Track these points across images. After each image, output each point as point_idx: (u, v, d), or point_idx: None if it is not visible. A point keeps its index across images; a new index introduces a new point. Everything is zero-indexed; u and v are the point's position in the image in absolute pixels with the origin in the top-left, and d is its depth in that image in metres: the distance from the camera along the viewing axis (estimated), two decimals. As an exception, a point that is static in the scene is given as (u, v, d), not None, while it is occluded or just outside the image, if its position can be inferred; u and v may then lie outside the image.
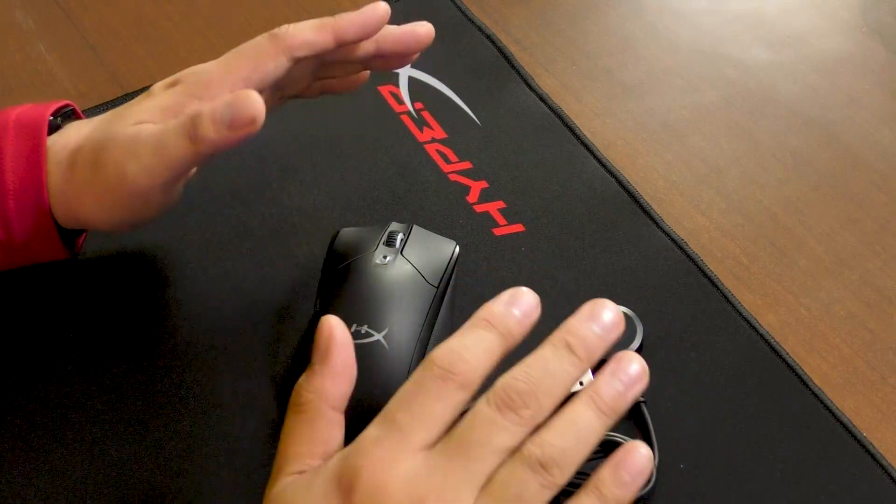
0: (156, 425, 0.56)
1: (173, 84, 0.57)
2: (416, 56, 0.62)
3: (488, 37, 0.74)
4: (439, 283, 0.57)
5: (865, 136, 0.69)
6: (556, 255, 0.63)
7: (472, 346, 0.43)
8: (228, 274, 0.62)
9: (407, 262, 0.57)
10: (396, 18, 0.76)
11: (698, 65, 0.74)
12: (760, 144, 0.69)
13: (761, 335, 0.59)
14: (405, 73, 0.72)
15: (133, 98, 0.70)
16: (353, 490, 0.41)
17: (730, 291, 0.61)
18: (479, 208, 0.65)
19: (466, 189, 0.66)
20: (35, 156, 0.55)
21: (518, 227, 0.64)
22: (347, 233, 0.60)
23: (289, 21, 0.76)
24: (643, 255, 0.63)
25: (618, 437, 0.53)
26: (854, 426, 0.56)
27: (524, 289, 0.45)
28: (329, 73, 0.62)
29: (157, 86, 0.57)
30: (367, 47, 0.60)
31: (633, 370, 0.45)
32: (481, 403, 0.43)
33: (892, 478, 0.54)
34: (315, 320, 0.56)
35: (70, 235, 0.58)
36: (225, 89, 0.55)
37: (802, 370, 0.58)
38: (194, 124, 0.53)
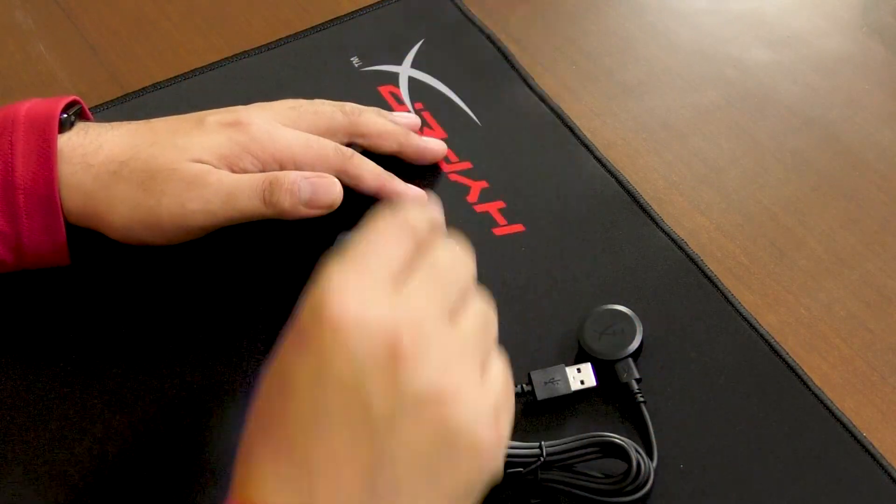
0: (156, 425, 0.56)
1: (230, 125, 0.58)
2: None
3: (488, 37, 0.74)
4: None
5: (865, 136, 0.69)
6: (556, 255, 0.63)
7: (414, 211, 0.45)
8: (229, 275, 0.62)
9: (407, 262, 0.57)
10: (396, 18, 0.76)
11: (698, 65, 0.73)
12: (760, 144, 0.69)
13: (761, 335, 0.59)
14: (405, 72, 0.72)
15: (132, 99, 0.70)
16: (320, 323, 0.40)
17: (730, 291, 0.61)
18: (479, 208, 0.65)
19: (466, 189, 0.66)
20: (46, 153, 0.55)
21: (518, 227, 0.64)
22: (347, 237, 0.60)
23: (289, 22, 0.76)
24: (643, 255, 0.63)
25: (616, 437, 0.53)
26: (854, 426, 0.56)
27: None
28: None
29: (212, 120, 0.59)
30: (389, 147, 0.65)
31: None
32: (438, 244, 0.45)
33: (892, 478, 0.54)
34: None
35: (74, 237, 0.58)
36: (277, 166, 0.58)
37: (802, 370, 0.58)
38: (272, 190, 0.56)
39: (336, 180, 0.58)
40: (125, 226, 0.56)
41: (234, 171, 0.57)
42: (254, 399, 0.43)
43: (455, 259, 0.45)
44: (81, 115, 0.60)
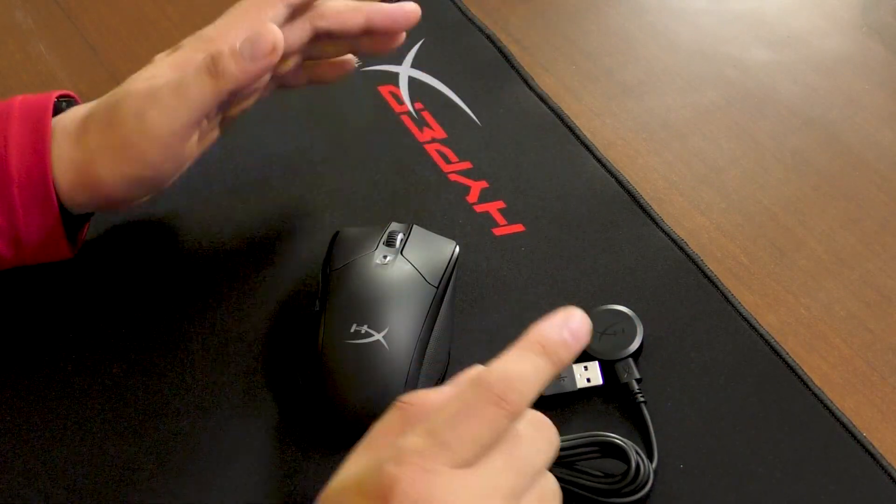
0: (156, 425, 0.56)
1: (175, 49, 0.58)
2: (401, 39, 0.62)
3: (488, 37, 0.74)
4: (439, 283, 0.57)
5: (865, 136, 0.69)
6: (556, 255, 0.63)
7: (526, 375, 0.43)
8: (228, 273, 0.62)
9: (407, 262, 0.57)
10: (396, 18, 0.76)
11: (698, 65, 0.73)
12: (760, 144, 0.69)
13: (761, 335, 0.59)
14: (405, 72, 0.72)
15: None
16: (391, 497, 0.40)
17: (730, 291, 0.61)
18: (479, 208, 0.65)
19: (466, 189, 0.66)
20: (40, 142, 0.55)
21: (518, 227, 0.64)
22: (347, 233, 0.60)
23: (289, 21, 0.76)
24: (643, 255, 0.63)
25: (616, 437, 0.53)
26: (854, 426, 0.56)
27: (576, 310, 0.44)
28: (317, 53, 0.62)
29: (159, 55, 0.58)
30: (356, 19, 0.60)
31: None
32: (522, 426, 0.43)
33: (892, 478, 0.54)
34: (315, 320, 0.57)
35: (73, 227, 0.58)
36: (228, 42, 0.56)
37: (802, 370, 0.58)
38: (215, 61, 0.54)
39: (269, 25, 0.55)
40: (111, 172, 0.55)
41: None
42: None
43: (540, 440, 0.44)
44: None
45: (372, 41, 0.62)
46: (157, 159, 0.55)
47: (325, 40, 0.61)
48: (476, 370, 0.44)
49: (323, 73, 0.64)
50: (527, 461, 0.43)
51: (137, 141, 0.54)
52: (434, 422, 0.42)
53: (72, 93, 0.60)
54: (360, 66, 0.73)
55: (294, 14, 0.58)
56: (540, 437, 0.44)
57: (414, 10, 0.61)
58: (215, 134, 0.59)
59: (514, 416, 0.42)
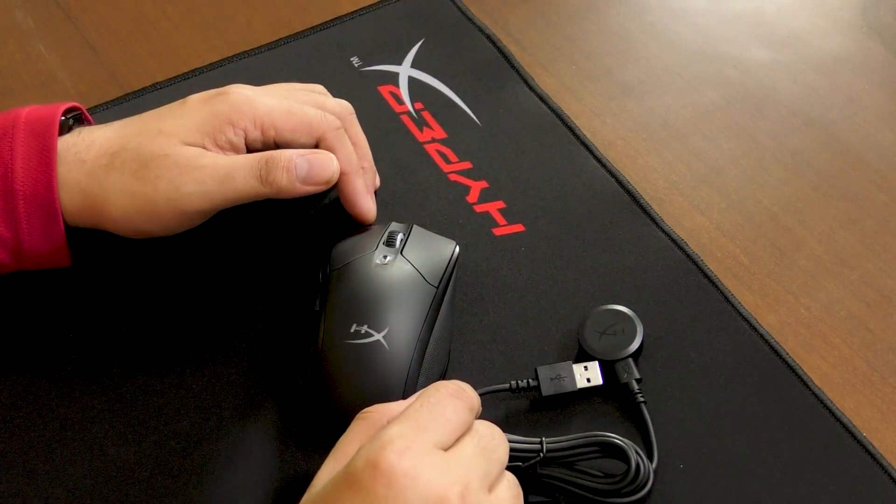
0: (156, 425, 0.56)
1: (211, 97, 0.58)
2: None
3: (488, 37, 0.74)
4: (439, 283, 0.57)
5: (865, 136, 0.69)
6: (556, 255, 0.63)
7: (467, 387, 0.49)
8: (228, 273, 0.62)
9: (407, 262, 0.57)
10: (396, 18, 0.76)
11: (698, 65, 0.73)
12: (760, 144, 0.69)
13: (761, 335, 0.59)
14: (405, 72, 0.72)
15: (132, 99, 0.70)
16: (377, 477, 0.43)
17: (730, 291, 0.61)
18: (479, 208, 0.65)
19: (466, 189, 0.66)
20: (46, 158, 0.55)
21: (518, 227, 0.64)
22: (347, 233, 0.60)
23: (289, 22, 0.76)
24: (643, 255, 0.63)
25: (616, 437, 0.53)
26: (854, 426, 0.56)
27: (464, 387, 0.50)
28: None
29: (195, 98, 0.59)
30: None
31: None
32: (481, 424, 0.49)
33: (892, 478, 0.54)
34: (315, 320, 0.57)
35: (75, 239, 0.58)
36: (284, 139, 0.58)
37: (802, 370, 0.58)
38: (268, 168, 0.56)
39: (332, 156, 0.58)
40: (124, 216, 0.56)
41: (218, 145, 0.57)
42: None
43: (496, 435, 0.49)
44: (82, 121, 0.60)
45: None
46: (172, 224, 0.57)
47: None
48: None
49: None
50: (493, 451, 0.48)
51: (163, 207, 0.56)
52: (410, 411, 0.46)
53: (79, 105, 0.60)
54: (361, 66, 0.73)
55: None
56: (496, 434, 0.49)
57: (370, 216, 0.62)
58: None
59: (473, 410, 0.48)
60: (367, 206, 0.62)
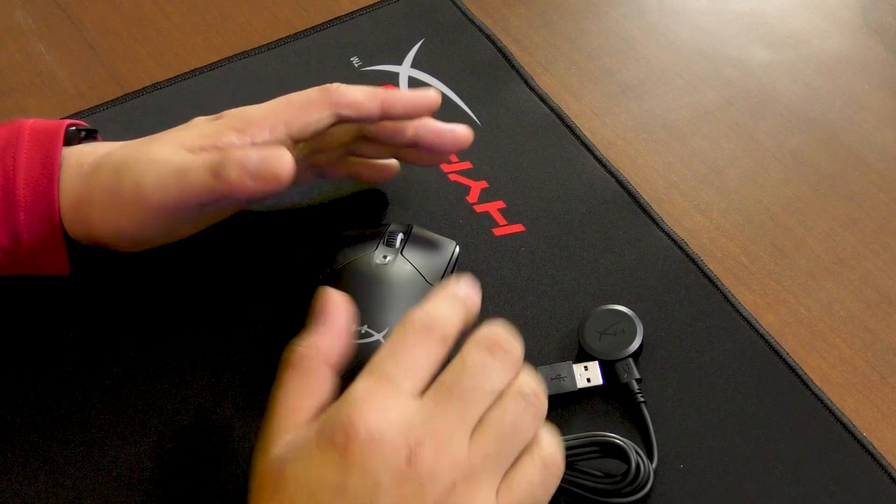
0: (156, 425, 0.56)
1: (216, 119, 0.58)
2: (447, 156, 0.64)
3: (488, 37, 0.74)
4: (439, 283, 0.57)
5: (865, 136, 0.69)
6: (556, 255, 0.63)
7: (444, 307, 0.47)
8: (228, 273, 0.62)
9: (407, 262, 0.57)
10: (396, 18, 0.76)
11: (698, 65, 0.73)
12: (760, 144, 0.69)
13: (761, 335, 0.59)
14: (405, 72, 0.72)
15: (132, 99, 0.70)
16: (350, 440, 0.42)
17: (730, 291, 0.61)
18: (479, 208, 0.65)
19: (466, 189, 0.66)
20: (49, 170, 0.55)
21: (518, 227, 0.64)
22: (347, 233, 0.60)
23: (289, 22, 0.76)
24: (643, 255, 0.63)
25: (616, 437, 0.53)
26: (854, 426, 0.56)
27: (464, 283, 0.49)
28: (361, 150, 0.63)
29: (199, 119, 0.58)
30: (405, 132, 0.60)
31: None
32: (469, 350, 0.46)
33: (892, 478, 0.54)
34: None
35: (75, 252, 0.58)
36: (265, 129, 0.56)
37: (802, 370, 0.58)
38: (221, 162, 0.54)
39: (286, 152, 0.54)
40: (100, 213, 0.55)
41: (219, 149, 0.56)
42: (259, 479, 0.45)
43: (488, 360, 0.46)
44: (95, 138, 0.60)
45: (416, 154, 0.62)
46: (144, 220, 0.56)
47: (370, 142, 0.62)
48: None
49: (363, 173, 0.64)
50: (476, 383, 0.45)
51: (128, 200, 0.55)
52: (375, 361, 0.45)
53: (83, 123, 0.60)
54: (361, 66, 0.73)
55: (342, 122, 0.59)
56: (492, 360, 0.46)
57: (465, 135, 0.60)
58: (225, 215, 0.61)
59: (445, 341, 0.46)
60: (457, 129, 0.60)
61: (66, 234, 0.56)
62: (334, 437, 0.43)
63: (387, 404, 0.43)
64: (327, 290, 0.49)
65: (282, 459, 0.44)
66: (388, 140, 0.60)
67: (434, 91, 0.60)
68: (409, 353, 0.45)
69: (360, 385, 0.44)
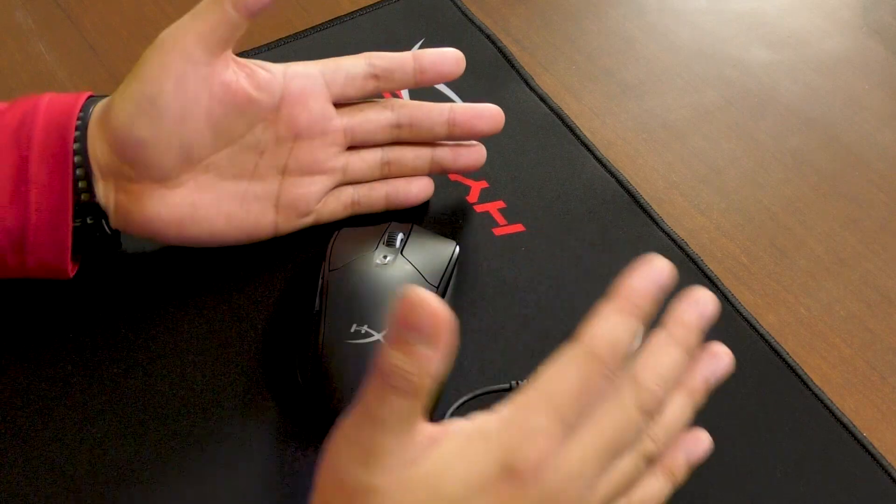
0: (156, 425, 0.56)
1: None
2: (483, 154, 0.65)
3: (488, 37, 0.74)
4: (439, 283, 0.57)
5: (865, 136, 0.69)
6: (556, 255, 0.63)
7: (626, 338, 0.45)
8: (228, 273, 0.62)
9: (407, 262, 0.57)
10: (396, 18, 0.76)
11: (698, 65, 0.74)
12: (760, 144, 0.69)
13: (761, 335, 0.59)
14: (405, 73, 0.72)
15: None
16: (526, 482, 0.41)
17: (730, 291, 0.61)
18: (479, 208, 0.65)
19: (466, 189, 0.66)
20: (63, 150, 0.55)
21: (518, 227, 0.64)
22: (347, 233, 0.60)
23: (289, 22, 0.76)
24: (643, 255, 0.63)
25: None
26: (854, 426, 0.56)
27: (659, 261, 0.47)
28: (397, 159, 0.63)
29: None
30: (441, 112, 0.62)
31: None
32: (630, 403, 0.44)
33: (892, 478, 0.54)
34: (315, 320, 0.56)
35: (77, 251, 0.58)
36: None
37: (802, 370, 0.58)
38: None
39: None
40: (123, 99, 0.56)
41: None
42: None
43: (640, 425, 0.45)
44: None
45: (455, 154, 0.63)
46: (158, 75, 0.55)
47: (405, 147, 0.63)
48: (587, 334, 0.44)
49: (398, 196, 0.63)
50: (631, 446, 0.45)
51: (148, 61, 0.56)
52: (558, 398, 0.42)
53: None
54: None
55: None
56: (645, 425, 0.45)
57: (499, 111, 0.63)
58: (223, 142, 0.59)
59: (609, 372, 0.43)
60: (489, 106, 0.63)
61: (72, 236, 0.56)
62: (509, 470, 0.41)
63: (564, 454, 0.42)
64: (430, 299, 0.40)
65: (436, 463, 0.42)
66: (425, 124, 0.62)
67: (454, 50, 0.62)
68: (591, 402, 0.43)
69: (538, 421, 0.42)
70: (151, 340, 0.59)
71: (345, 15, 0.76)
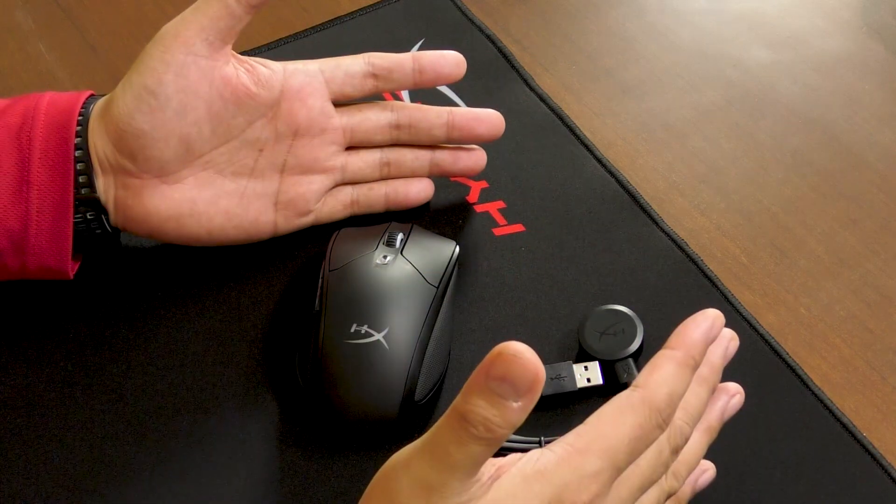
0: (156, 425, 0.56)
1: None
2: (482, 159, 0.65)
3: (488, 37, 0.74)
4: (439, 283, 0.57)
5: (865, 136, 0.69)
6: (556, 255, 0.63)
7: (683, 390, 0.45)
8: (228, 273, 0.62)
9: (407, 262, 0.57)
10: (396, 18, 0.76)
11: (698, 65, 0.74)
12: (760, 144, 0.69)
13: (761, 335, 0.59)
14: (405, 73, 0.72)
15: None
16: None
17: (730, 291, 0.61)
18: (479, 208, 0.65)
19: (466, 189, 0.66)
20: (64, 150, 0.55)
21: (518, 227, 0.64)
22: (347, 233, 0.60)
23: (289, 22, 0.76)
24: (643, 255, 0.63)
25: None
26: (854, 426, 0.56)
27: (717, 317, 0.47)
28: (396, 160, 0.63)
29: None
30: (440, 114, 0.62)
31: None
32: (665, 443, 0.45)
33: (892, 478, 0.54)
34: (315, 320, 0.57)
35: (77, 251, 0.58)
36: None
37: (802, 370, 0.58)
38: None
39: None
40: (124, 91, 0.56)
41: None
42: None
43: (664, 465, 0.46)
44: None
45: (454, 157, 0.63)
46: (159, 67, 0.56)
47: (404, 148, 0.63)
48: (647, 387, 0.44)
49: (398, 197, 0.63)
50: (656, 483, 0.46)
51: (158, 58, 0.56)
52: (613, 443, 0.42)
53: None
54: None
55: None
56: (673, 460, 0.46)
57: (499, 117, 0.63)
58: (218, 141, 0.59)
59: (654, 424, 0.44)
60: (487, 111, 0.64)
61: (73, 234, 0.56)
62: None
63: (612, 500, 0.43)
64: (530, 356, 0.38)
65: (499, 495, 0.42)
66: (424, 125, 0.62)
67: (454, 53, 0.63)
68: (642, 450, 0.43)
69: (592, 464, 0.42)
70: (151, 340, 0.59)
71: (345, 15, 0.76)
